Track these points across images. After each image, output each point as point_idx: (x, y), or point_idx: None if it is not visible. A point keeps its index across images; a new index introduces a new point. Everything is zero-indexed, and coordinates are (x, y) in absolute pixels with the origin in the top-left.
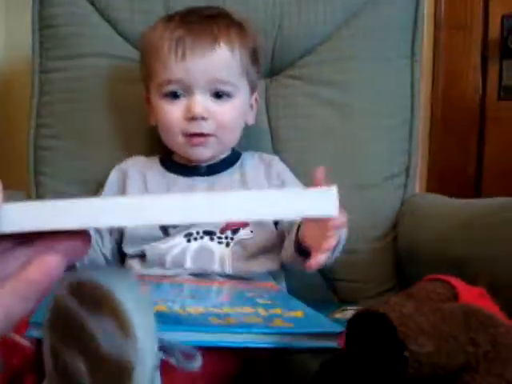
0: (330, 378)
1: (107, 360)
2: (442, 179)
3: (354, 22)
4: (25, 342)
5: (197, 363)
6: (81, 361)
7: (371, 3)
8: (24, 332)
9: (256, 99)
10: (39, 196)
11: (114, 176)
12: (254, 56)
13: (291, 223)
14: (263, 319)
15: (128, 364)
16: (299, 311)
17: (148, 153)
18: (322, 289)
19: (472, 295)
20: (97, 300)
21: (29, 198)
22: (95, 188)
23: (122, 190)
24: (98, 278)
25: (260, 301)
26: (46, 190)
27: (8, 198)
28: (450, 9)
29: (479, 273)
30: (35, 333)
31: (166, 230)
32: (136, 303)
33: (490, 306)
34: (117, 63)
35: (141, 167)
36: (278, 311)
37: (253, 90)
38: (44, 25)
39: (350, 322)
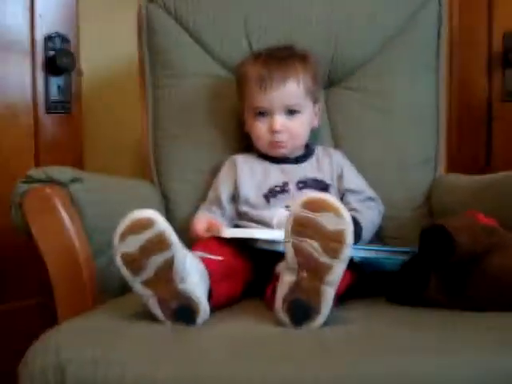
0: (411, 268)
1: (330, 232)
2: (457, 167)
3: (393, 43)
4: (217, 258)
5: None
6: (315, 240)
7: (410, 24)
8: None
9: (319, 108)
10: (161, 182)
11: (225, 169)
12: (315, 78)
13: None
14: None
15: (342, 231)
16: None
17: (243, 150)
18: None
19: (488, 220)
20: (321, 205)
21: (153, 184)
22: (206, 175)
23: (234, 177)
24: (317, 194)
25: None
26: (166, 178)
27: (137, 185)
28: (461, 28)
29: None
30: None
31: (267, 199)
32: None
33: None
34: (211, 81)
35: (246, 159)
36: None
37: (316, 101)
38: (152, 52)
39: (422, 232)
